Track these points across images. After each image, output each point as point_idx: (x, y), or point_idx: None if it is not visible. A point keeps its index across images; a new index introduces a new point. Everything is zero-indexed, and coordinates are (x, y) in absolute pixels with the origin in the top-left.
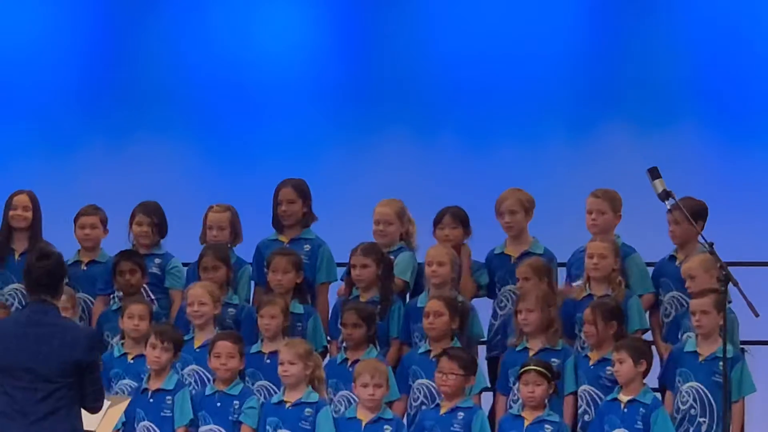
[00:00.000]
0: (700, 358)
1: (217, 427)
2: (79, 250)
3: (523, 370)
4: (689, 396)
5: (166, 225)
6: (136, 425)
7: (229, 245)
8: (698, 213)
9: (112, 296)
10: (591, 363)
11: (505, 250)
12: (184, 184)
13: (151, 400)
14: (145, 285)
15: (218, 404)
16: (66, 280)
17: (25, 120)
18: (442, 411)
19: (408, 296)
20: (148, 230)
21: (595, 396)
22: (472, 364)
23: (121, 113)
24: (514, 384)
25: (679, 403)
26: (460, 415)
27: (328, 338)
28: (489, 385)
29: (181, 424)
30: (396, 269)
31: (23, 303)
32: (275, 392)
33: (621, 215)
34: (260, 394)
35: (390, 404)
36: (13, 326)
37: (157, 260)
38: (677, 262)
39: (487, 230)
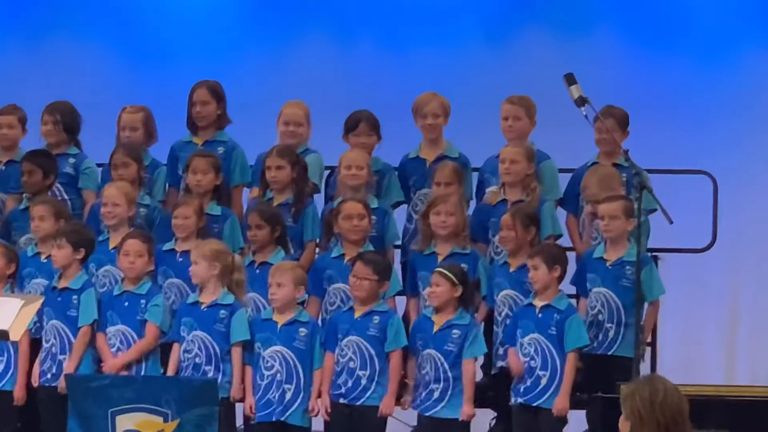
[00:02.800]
0: (608, 263)
1: (124, 326)
2: None
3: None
4: (597, 301)
5: (76, 124)
6: (45, 324)
7: (142, 146)
8: (621, 121)
9: (22, 195)
10: (512, 269)
11: (420, 153)
12: (102, 85)
13: (59, 299)
14: (58, 185)
15: (126, 304)
16: None
17: None
18: (357, 315)
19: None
20: (51, 128)
21: (518, 300)
22: (386, 269)
23: (37, 13)
24: (424, 289)
25: (589, 308)
26: (376, 319)
27: None
28: (403, 288)
29: (84, 323)
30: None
31: None
32: (186, 291)
33: (536, 121)
34: (170, 292)
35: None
36: None
37: (71, 160)
38: None
39: (401, 132)
